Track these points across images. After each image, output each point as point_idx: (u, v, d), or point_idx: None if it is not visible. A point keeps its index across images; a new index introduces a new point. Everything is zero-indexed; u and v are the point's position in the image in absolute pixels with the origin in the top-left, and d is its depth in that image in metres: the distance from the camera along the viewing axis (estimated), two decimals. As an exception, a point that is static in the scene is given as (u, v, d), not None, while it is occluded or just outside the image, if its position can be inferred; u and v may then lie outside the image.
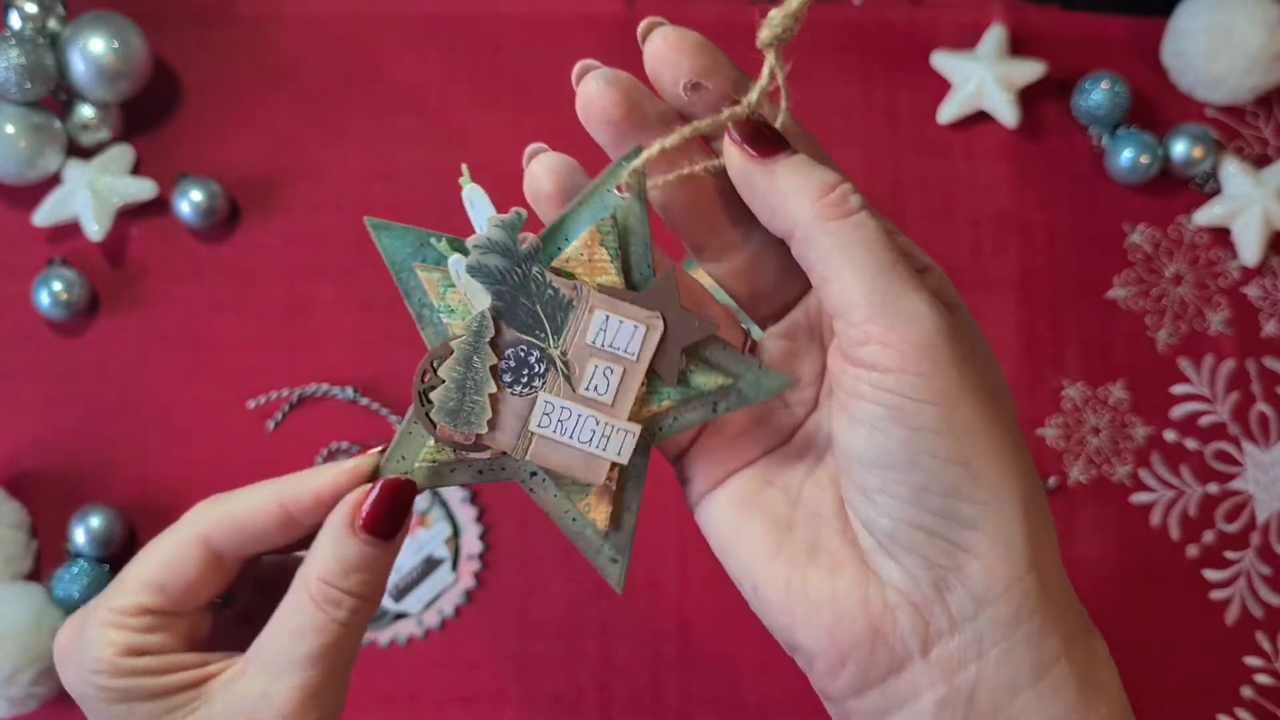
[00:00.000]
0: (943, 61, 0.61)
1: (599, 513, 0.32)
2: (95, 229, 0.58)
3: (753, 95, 0.29)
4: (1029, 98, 0.61)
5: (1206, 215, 0.60)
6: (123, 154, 0.59)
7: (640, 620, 0.56)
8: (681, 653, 0.56)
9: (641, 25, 0.30)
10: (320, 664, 0.31)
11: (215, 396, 0.58)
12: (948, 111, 0.60)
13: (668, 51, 0.30)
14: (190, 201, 0.58)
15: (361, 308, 0.59)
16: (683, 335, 0.31)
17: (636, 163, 0.30)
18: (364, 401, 0.58)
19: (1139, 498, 0.58)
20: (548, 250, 0.31)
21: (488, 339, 0.31)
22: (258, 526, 0.32)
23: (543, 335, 0.31)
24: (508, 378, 0.31)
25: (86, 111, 0.59)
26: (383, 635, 0.56)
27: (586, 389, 0.31)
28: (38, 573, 0.56)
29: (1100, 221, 0.61)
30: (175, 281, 0.59)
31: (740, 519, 0.32)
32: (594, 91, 0.30)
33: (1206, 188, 0.61)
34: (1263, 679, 0.56)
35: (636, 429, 0.31)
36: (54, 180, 0.59)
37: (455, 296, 0.31)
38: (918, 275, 0.29)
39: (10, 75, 0.56)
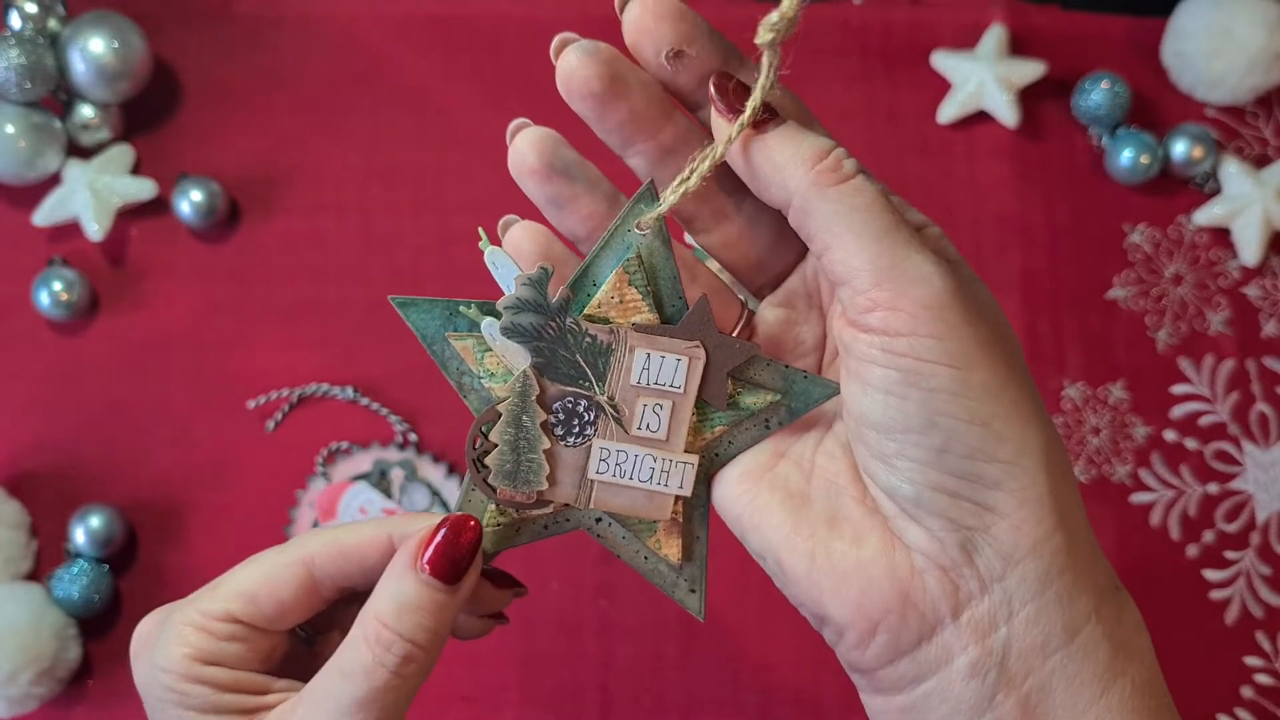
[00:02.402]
0: (943, 61, 0.61)
1: (670, 547, 0.32)
2: (95, 229, 0.58)
3: (756, 98, 0.29)
4: (1029, 98, 0.61)
5: (1206, 215, 0.60)
6: (123, 154, 0.59)
7: (641, 620, 0.56)
8: (683, 653, 0.56)
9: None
10: (365, 710, 0.30)
11: (215, 396, 0.58)
12: (948, 111, 0.60)
13: (648, 20, 0.29)
14: (190, 201, 0.58)
15: (361, 308, 0.59)
16: (726, 360, 0.31)
17: (659, 211, 0.30)
18: (364, 401, 0.58)
19: (1139, 498, 0.58)
20: (578, 299, 0.31)
21: (534, 396, 0.31)
22: (362, 557, 0.32)
23: (587, 384, 0.31)
24: (559, 430, 0.31)
25: (86, 111, 0.59)
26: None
27: (639, 429, 0.31)
28: (37, 573, 0.56)
29: (1100, 221, 0.61)
30: (175, 281, 0.59)
31: (755, 495, 0.31)
32: (574, 64, 0.30)
33: (1206, 188, 0.61)
34: (1263, 679, 0.56)
35: (695, 460, 0.31)
36: (54, 180, 0.59)
37: (493, 360, 0.31)
38: (913, 230, 0.29)
39: (10, 75, 0.56)
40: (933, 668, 0.29)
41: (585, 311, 0.31)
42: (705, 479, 0.32)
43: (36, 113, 0.58)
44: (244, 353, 0.59)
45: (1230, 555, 0.57)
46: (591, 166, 0.32)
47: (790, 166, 0.28)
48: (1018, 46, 0.61)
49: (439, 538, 0.30)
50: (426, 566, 0.30)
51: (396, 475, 0.57)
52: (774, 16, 0.28)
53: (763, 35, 0.28)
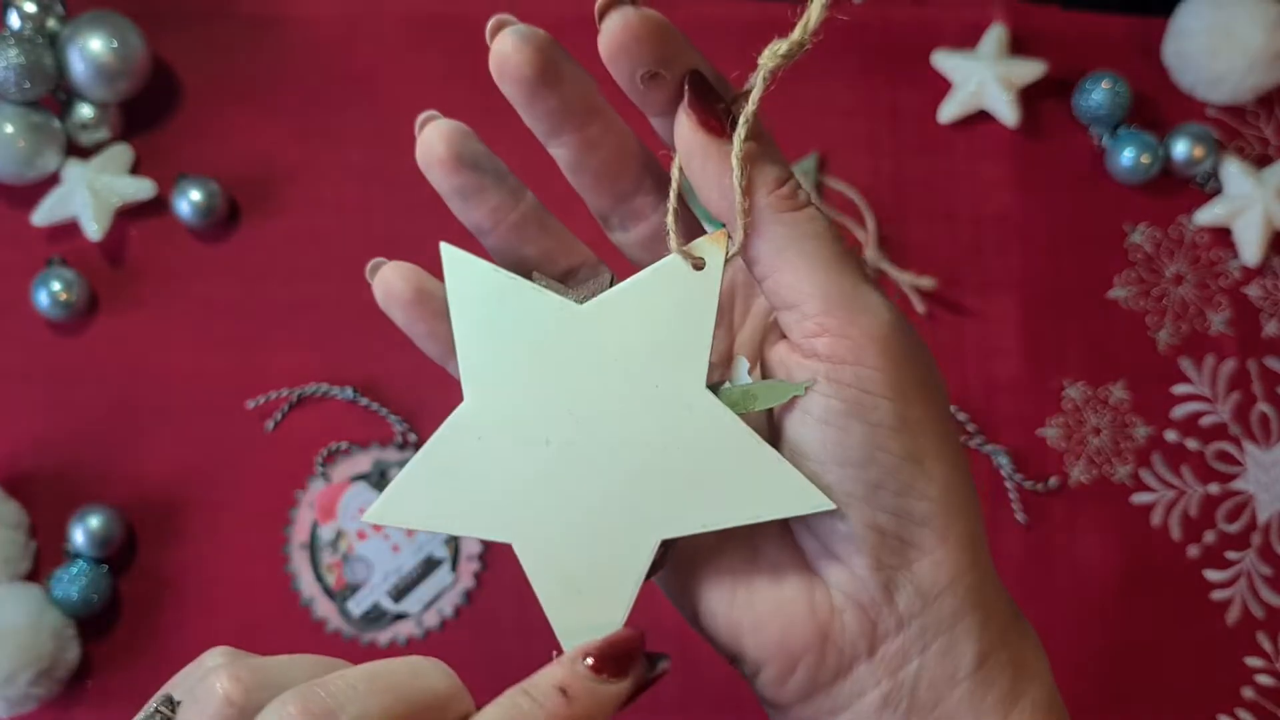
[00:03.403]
0: (943, 61, 0.61)
1: None
2: (94, 229, 0.58)
3: (750, 115, 0.28)
4: (1030, 97, 0.61)
5: (1207, 215, 0.60)
6: (122, 153, 0.59)
7: (639, 620, 0.56)
8: (682, 653, 0.56)
9: (599, 5, 0.27)
10: None
11: (214, 396, 0.58)
12: (948, 111, 0.60)
13: (627, 38, 0.27)
14: (189, 201, 0.58)
15: (361, 308, 0.59)
16: None
17: (731, 256, 0.29)
18: (364, 402, 0.58)
19: (1140, 498, 0.58)
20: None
21: None
22: None
23: None
24: None
25: (85, 111, 0.59)
26: (382, 636, 0.56)
27: None
28: (37, 573, 0.56)
29: (1101, 221, 0.61)
30: (175, 281, 0.59)
31: (680, 547, 0.31)
32: (509, 48, 0.29)
33: (1207, 187, 0.61)
34: (1263, 679, 0.56)
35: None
36: (53, 180, 0.59)
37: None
38: (866, 271, 0.29)
39: (9, 75, 0.56)
40: (847, 702, 0.29)
41: None
42: None
43: (35, 112, 0.58)
44: (243, 353, 0.58)
45: (1231, 555, 0.57)
46: (499, 160, 0.32)
47: (752, 183, 0.28)
48: (1018, 46, 0.61)
49: (608, 647, 0.31)
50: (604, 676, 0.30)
51: (396, 475, 0.57)
52: (783, 46, 0.27)
53: (768, 60, 0.27)
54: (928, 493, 0.28)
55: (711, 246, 0.29)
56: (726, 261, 0.29)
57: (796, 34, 0.27)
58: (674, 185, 0.30)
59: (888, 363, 0.27)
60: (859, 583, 0.28)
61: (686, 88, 0.28)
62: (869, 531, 0.28)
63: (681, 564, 0.31)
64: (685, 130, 0.28)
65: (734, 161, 0.28)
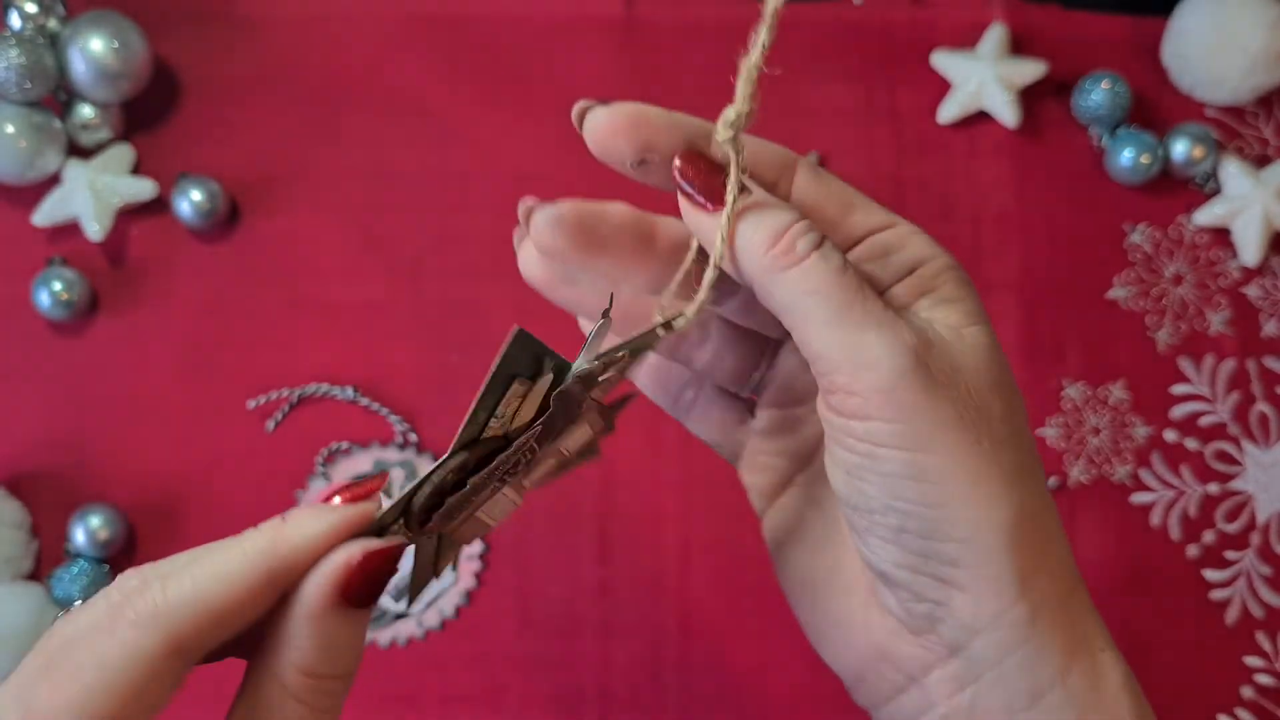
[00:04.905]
0: (943, 61, 0.61)
1: (444, 561, 0.31)
2: (95, 229, 0.58)
3: (730, 201, 0.28)
4: (1029, 97, 0.61)
5: (1207, 215, 0.60)
6: (123, 154, 0.59)
7: (640, 621, 0.56)
8: (682, 653, 0.56)
9: (574, 111, 0.29)
10: None
11: (215, 396, 0.58)
12: (948, 111, 0.60)
13: (604, 137, 0.28)
14: (190, 201, 0.58)
15: (361, 308, 0.59)
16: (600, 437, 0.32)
17: (682, 328, 0.30)
18: (364, 401, 0.58)
19: (1139, 498, 0.58)
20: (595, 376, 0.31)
21: (521, 472, 0.30)
22: (239, 614, 0.25)
23: (547, 444, 0.31)
24: (498, 477, 0.30)
25: (86, 111, 0.59)
26: (383, 635, 0.56)
27: (529, 480, 0.31)
28: (37, 572, 0.56)
29: (1100, 221, 0.61)
30: (175, 281, 0.59)
31: (786, 542, 0.33)
32: (545, 233, 0.29)
33: (1207, 188, 0.61)
34: (1263, 679, 0.56)
35: (519, 501, 0.31)
36: (54, 180, 0.59)
37: (513, 406, 0.30)
38: (879, 305, 0.28)
39: (10, 75, 0.56)
40: (910, 717, 0.30)
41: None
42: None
43: (36, 112, 0.58)
44: (244, 352, 0.59)
45: (1230, 555, 0.57)
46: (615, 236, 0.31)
47: (746, 251, 0.28)
48: (1018, 46, 0.61)
49: (357, 565, 0.26)
50: (348, 599, 0.26)
51: (396, 475, 0.57)
52: (730, 114, 0.27)
53: (722, 133, 0.27)
54: (953, 535, 0.28)
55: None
56: (666, 329, 0.30)
57: (740, 104, 0.27)
58: (690, 254, 0.30)
59: (896, 415, 0.27)
60: (905, 611, 0.29)
61: (675, 174, 0.28)
62: (901, 570, 0.29)
63: (788, 582, 0.33)
64: (685, 212, 0.29)
65: (718, 239, 0.28)
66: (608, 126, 0.28)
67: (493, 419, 0.30)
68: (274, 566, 0.26)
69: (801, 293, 0.27)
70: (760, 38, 0.27)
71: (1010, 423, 0.29)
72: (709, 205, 0.28)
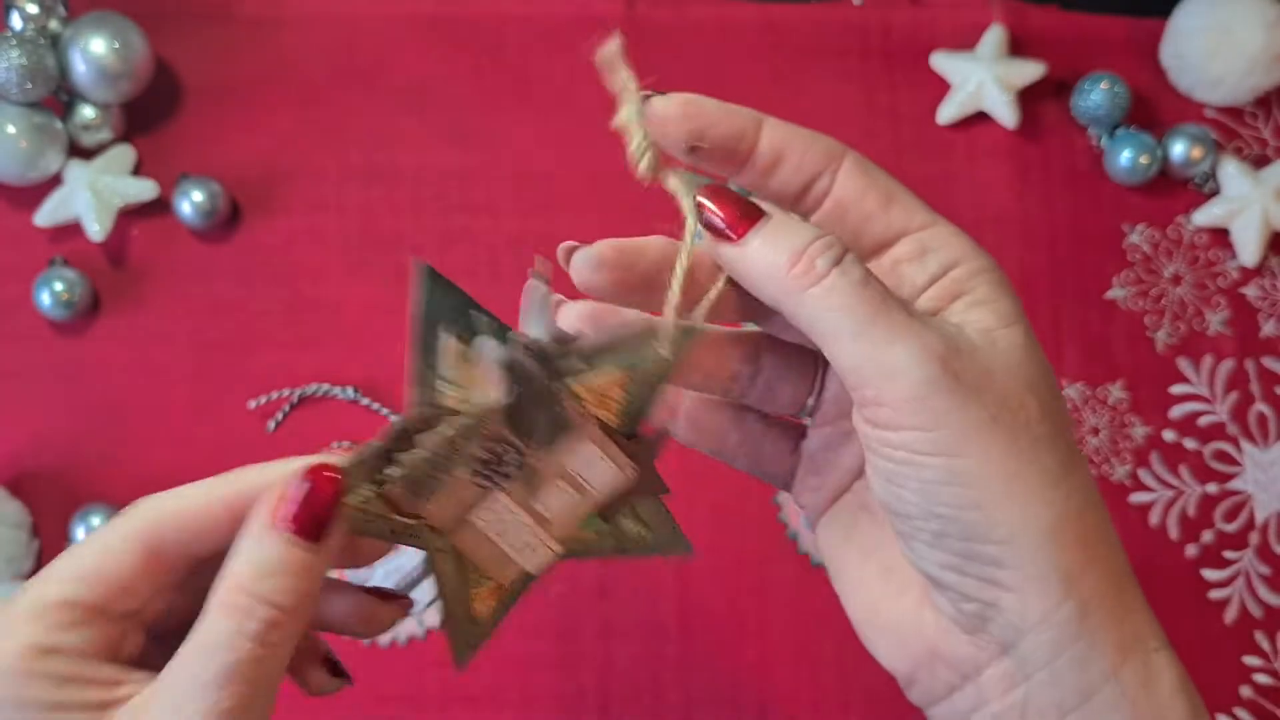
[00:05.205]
0: (942, 62, 0.61)
1: (484, 604, 0.32)
2: (96, 229, 0.58)
3: (688, 244, 0.29)
4: (1029, 98, 0.61)
5: (1206, 215, 0.60)
6: (124, 154, 0.59)
7: (640, 621, 0.56)
8: (682, 653, 0.56)
9: (619, 116, 0.30)
10: (230, 685, 0.27)
11: (216, 396, 0.58)
12: (947, 112, 0.61)
13: (660, 125, 0.29)
14: (191, 202, 0.58)
15: (362, 308, 0.59)
16: (643, 490, 0.32)
17: (687, 338, 0.31)
18: (365, 401, 0.58)
19: (1138, 497, 0.58)
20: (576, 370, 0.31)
21: (483, 431, 0.30)
22: (204, 524, 0.30)
23: (533, 446, 0.30)
24: (475, 465, 0.30)
25: (88, 112, 0.59)
26: (383, 635, 0.56)
27: (538, 502, 0.31)
28: (38, 572, 0.56)
29: (1100, 222, 0.61)
30: (176, 281, 0.59)
31: (840, 549, 0.33)
32: (586, 276, 0.30)
33: (1206, 188, 0.61)
34: (1262, 679, 0.56)
35: (560, 551, 0.32)
36: (55, 181, 0.59)
37: (465, 373, 0.30)
38: (904, 315, 0.28)
39: (11, 76, 0.56)
40: (964, 715, 0.30)
41: (571, 385, 0.30)
42: (548, 570, 0.33)
43: (38, 113, 0.58)
44: (245, 353, 0.59)
45: (1229, 555, 0.57)
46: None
47: (767, 277, 0.28)
48: (1017, 47, 0.61)
49: (299, 493, 0.28)
50: (287, 524, 0.28)
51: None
52: (632, 149, 0.29)
53: (643, 170, 0.29)
54: (993, 536, 0.28)
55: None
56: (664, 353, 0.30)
57: (635, 144, 0.29)
58: (680, 260, 0.30)
59: (928, 422, 0.27)
60: (956, 611, 0.30)
61: (699, 209, 0.29)
62: (946, 572, 0.29)
63: (843, 586, 0.33)
64: (709, 244, 0.29)
65: (676, 273, 0.29)
66: (661, 115, 0.29)
67: (443, 383, 0.30)
68: (235, 491, 0.30)
69: (825, 310, 0.28)
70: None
71: (1049, 422, 0.29)
72: (732, 235, 0.29)
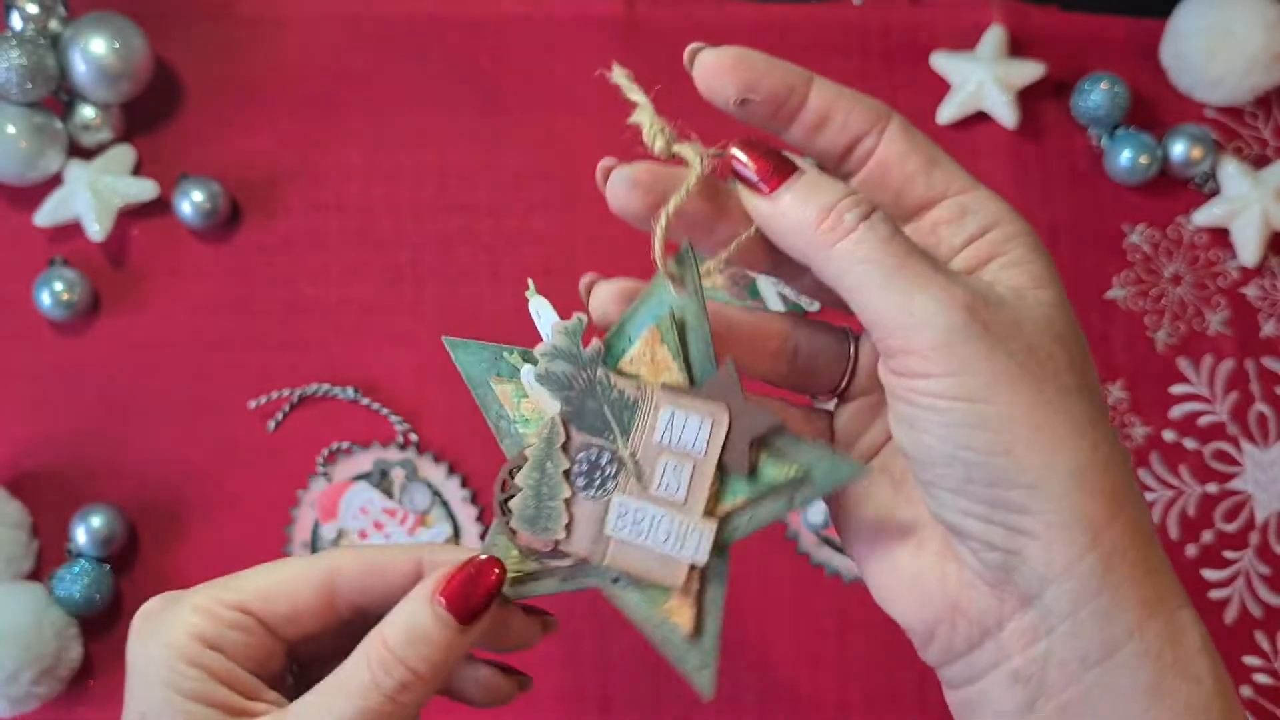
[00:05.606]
0: (942, 62, 0.61)
1: (682, 617, 0.32)
2: (96, 229, 0.58)
3: (680, 194, 0.30)
4: (1028, 98, 0.61)
5: (1205, 215, 0.60)
6: (124, 154, 0.60)
7: (640, 620, 0.56)
8: (681, 652, 0.56)
9: (686, 53, 0.30)
10: None
11: (216, 396, 0.58)
12: (947, 112, 0.61)
13: (708, 78, 0.30)
14: (191, 202, 0.58)
15: (362, 308, 0.59)
16: (748, 427, 0.31)
17: (706, 265, 0.31)
18: (365, 401, 0.58)
19: (1138, 497, 0.58)
20: (612, 353, 0.31)
21: (559, 444, 0.31)
22: (386, 574, 0.32)
23: (611, 436, 0.31)
24: (581, 482, 0.31)
25: (88, 112, 0.59)
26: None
27: (658, 488, 0.31)
28: (39, 572, 0.56)
29: (1100, 221, 0.61)
30: (176, 281, 0.59)
31: (854, 510, 0.33)
32: (621, 195, 0.31)
33: (1206, 188, 0.61)
34: (1262, 679, 0.56)
35: (712, 526, 0.31)
36: (55, 180, 0.59)
37: (529, 406, 0.32)
38: (930, 266, 0.28)
39: (11, 76, 0.56)
40: (982, 671, 0.30)
41: (617, 366, 0.31)
42: (722, 551, 0.31)
43: (38, 113, 0.58)
44: (245, 353, 0.59)
45: (1229, 555, 0.57)
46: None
47: (795, 233, 0.29)
48: (1017, 47, 0.61)
49: (461, 574, 0.31)
50: (443, 600, 0.31)
51: (397, 475, 0.57)
52: (646, 130, 0.30)
53: (659, 146, 0.30)
54: (1020, 481, 0.28)
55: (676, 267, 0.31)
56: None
57: (649, 131, 0.31)
58: (680, 194, 0.30)
59: (957, 364, 0.28)
60: (979, 562, 0.30)
61: (732, 162, 0.30)
62: (970, 520, 0.29)
63: (860, 548, 0.33)
64: (742, 195, 0.30)
65: (656, 241, 0.30)
66: (714, 66, 0.30)
67: (520, 425, 0.32)
68: (415, 559, 0.32)
69: (853, 262, 0.28)
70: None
71: (1077, 373, 0.29)
72: (764, 188, 0.29)
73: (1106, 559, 0.28)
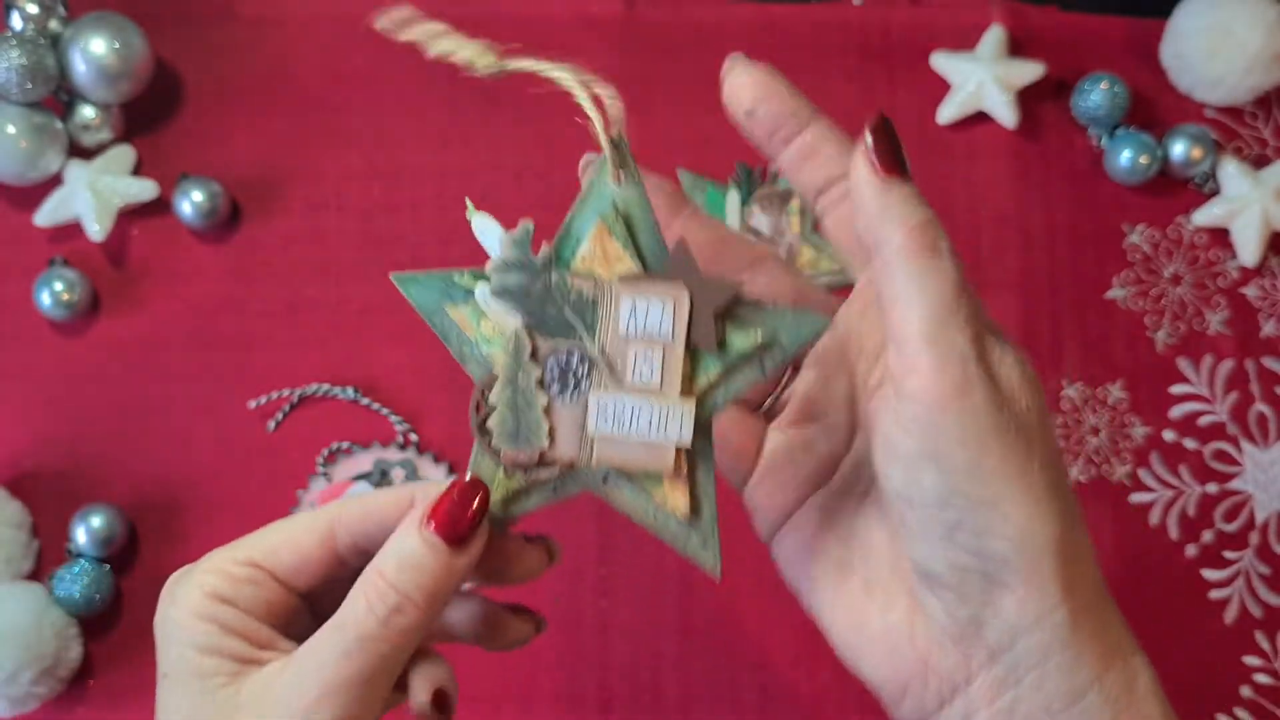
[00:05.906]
0: (942, 62, 0.61)
1: (676, 501, 0.32)
2: (96, 229, 0.58)
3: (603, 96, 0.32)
4: (1028, 98, 0.61)
5: (1205, 215, 0.60)
6: (124, 154, 0.60)
7: (640, 619, 0.56)
8: (681, 651, 0.56)
9: (727, 60, 0.33)
10: (350, 660, 0.31)
11: (216, 396, 0.58)
12: (947, 112, 0.61)
13: (732, 87, 0.33)
14: (191, 202, 0.58)
15: (361, 308, 0.59)
16: (709, 299, 0.31)
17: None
18: (365, 401, 0.58)
19: (1138, 497, 0.58)
20: (562, 256, 0.31)
21: (527, 355, 0.31)
22: (383, 516, 0.33)
23: (577, 337, 0.31)
24: (555, 388, 0.31)
25: (88, 112, 0.59)
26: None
27: (633, 379, 0.31)
28: (39, 572, 0.56)
29: (1099, 222, 0.61)
30: (176, 281, 0.59)
31: (805, 564, 0.34)
32: (737, 79, 0.33)
33: (1206, 188, 0.61)
34: (1262, 679, 0.56)
35: (691, 405, 0.31)
36: (55, 180, 0.59)
37: (489, 326, 0.32)
38: (979, 326, 0.29)
39: (11, 76, 0.56)
40: None
41: (571, 268, 0.31)
42: (705, 432, 0.32)
43: (38, 113, 0.58)
44: (245, 353, 0.59)
45: (1229, 555, 0.57)
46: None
47: (895, 223, 0.29)
48: (1017, 47, 0.61)
49: (446, 498, 0.31)
50: (431, 525, 0.31)
51: (397, 475, 0.57)
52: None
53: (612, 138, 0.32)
54: (1004, 534, 0.29)
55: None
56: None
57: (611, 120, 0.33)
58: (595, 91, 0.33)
59: (969, 411, 0.28)
60: (950, 617, 0.30)
61: (862, 140, 0.30)
62: (950, 569, 0.29)
63: (820, 602, 0.34)
64: (859, 167, 0.30)
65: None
66: (741, 76, 0.33)
67: (483, 348, 0.32)
68: (408, 496, 0.33)
69: (925, 273, 0.29)
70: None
71: (1050, 445, 0.30)
72: (878, 167, 0.30)
73: (1073, 614, 0.29)
